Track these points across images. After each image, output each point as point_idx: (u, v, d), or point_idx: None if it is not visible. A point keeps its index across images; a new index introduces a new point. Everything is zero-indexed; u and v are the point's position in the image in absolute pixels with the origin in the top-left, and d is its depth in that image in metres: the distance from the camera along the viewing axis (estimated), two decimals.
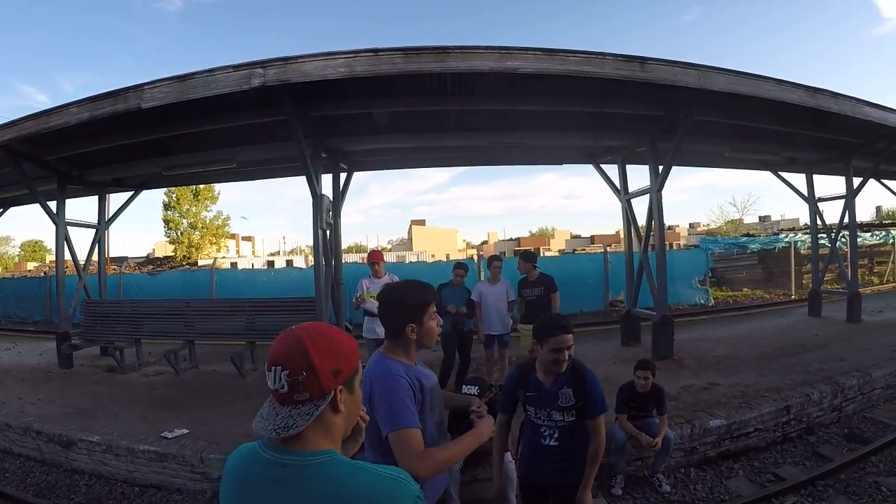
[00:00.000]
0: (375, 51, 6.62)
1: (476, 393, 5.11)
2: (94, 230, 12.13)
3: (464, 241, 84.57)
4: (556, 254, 39.52)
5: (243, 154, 9.65)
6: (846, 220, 13.42)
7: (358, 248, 66.07)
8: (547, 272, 8.21)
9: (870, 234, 24.04)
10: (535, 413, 3.43)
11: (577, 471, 3.30)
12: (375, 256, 8.07)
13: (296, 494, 1.30)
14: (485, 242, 78.87)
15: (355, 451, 1.69)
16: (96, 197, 12.24)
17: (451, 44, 6.79)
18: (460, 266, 8.42)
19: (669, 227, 61.84)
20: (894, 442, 6.56)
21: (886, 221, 35.79)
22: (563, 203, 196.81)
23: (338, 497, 1.27)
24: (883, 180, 15.96)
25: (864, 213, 67.76)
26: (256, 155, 9.83)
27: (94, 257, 12.39)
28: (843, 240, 14.67)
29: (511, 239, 74.07)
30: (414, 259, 38.00)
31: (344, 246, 10.58)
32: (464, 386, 5.17)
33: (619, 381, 6.02)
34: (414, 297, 2.63)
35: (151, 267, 31.34)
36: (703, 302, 18.20)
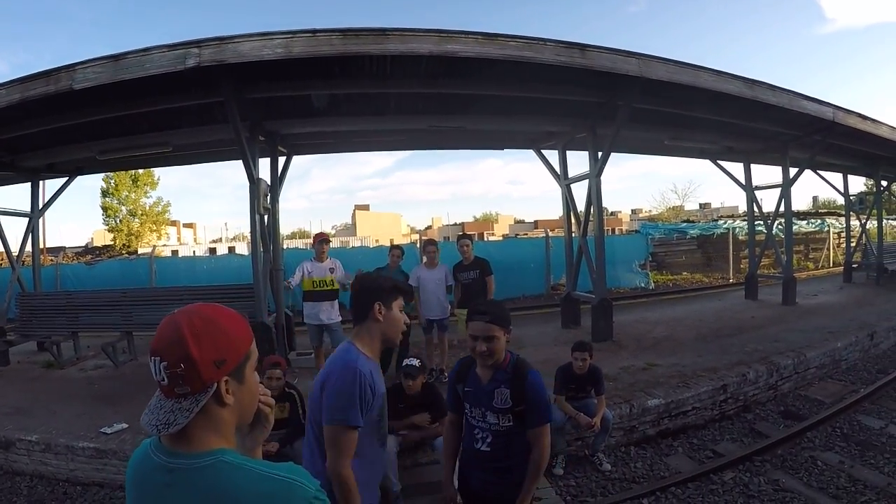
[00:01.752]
0: (313, 31, 6.53)
1: (417, 365, 5.18)
2: (27, 219, 11.65)
3: (408, 225, 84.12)
4: (500, 238, 39.71)
5: (179, 137, 9.46)
6: (782, 208, 13.83)
7: (301, 234, 65.16)
8: (490, 256, 8.21)
9: (806, 222, 25.00)
10: (470, 411, 2.99)
11: (511, 484, 2.84)
12: (325, 236, 8.00)
13: (181, 501, 1.21)
14: (429, 227, 78.64)
15: (263, 438, 1.53)
16: (29, 184, 11.79)
17: (391, 26, 6.75)
18: (396, 248, 8.43)
19: (612, 213, 62.89)
20: (829, 418, 6.81)
21: (822, 210, 36.95)
22: (508, 188, 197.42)
23: (221, 502, 1.19)
24: (819, 171, 16.51)
25: (801, 202, 70.01)
26: (193, 138, 9.66)
27: (29, 248, 11.95)
28: (779, 227, 15.08)
29: (455, 224, 73.88)
30: (358, 244, 37.66)
31: (287, 231, 10.47)
32: (405, 359, 5.24)
33: (559, 362, 6.09)
34: (388, 281, 2.67)
35: (90, 257, 30.46)
36: (643, 285, 18.63)
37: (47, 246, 22.77)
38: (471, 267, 7.90)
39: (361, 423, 2.35)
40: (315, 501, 1.24)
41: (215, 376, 1.24)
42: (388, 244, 14.00)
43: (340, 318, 7.81)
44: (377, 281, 2.67)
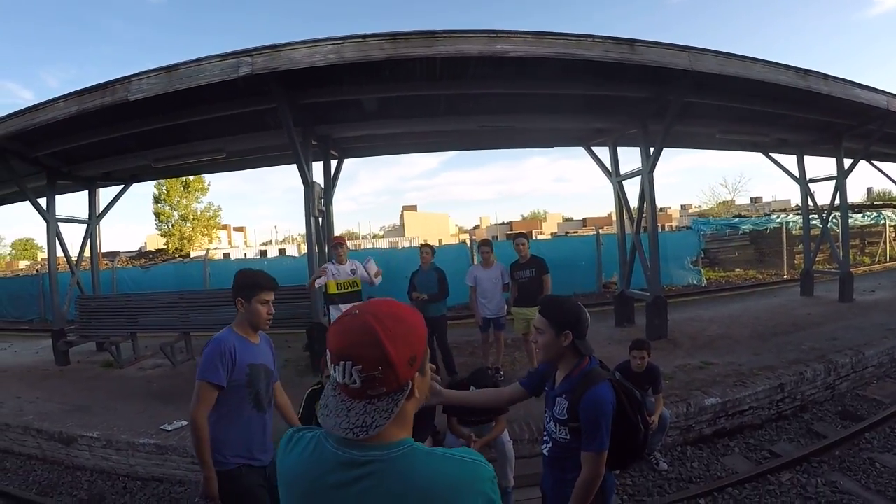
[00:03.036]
0: (364, 37, 6.60)
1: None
2: (85, 225, 12.03)
3: (456, 225, 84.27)
4: (549, 237, 39.51)
5: (233, 144, 9.63)
6: (837, 200, 13.48)
7: (350, 236, 65.81)
8: (540, 255, 8.17)
9: (861, 214, 24.20)
10: (545, 411, 2.86)
11: (564, 498, 2.66)
12: (340, 240, 7.94)
13: (380, 492, 1.21)
14: (477, 227, 78.60)
15: None
16: (86, 192, 12.16)
17: (440, 28, 6.78)
18: (426, 247, 8.37)
19: (661, 209, 61.83)
20: (888, 419, 6.63)
21: (878, 202, 35.88)
22: (554, 186, 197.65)
23: (426, 489, 1.20)
24: (874, 161, 16.05)
25: (855, 194, 67.94)
26: (246, 144, 9.84)
27: (87, 253, 12.28)
28: (834, 220, 14.73)
29: (503, 223, 73.99)
30: (406, 244, 37.78)
31: (336, 233, 10.55)
32: (472, 387, 5.18)
33: (615, 361, 6.03)
34: (250, 279, 3.28)
35: (144, 261, 31.21)
36: (695, 283, 18.32)
37: (103, 250, 23.38)
38: (527, 266, 7.85)
39: (220, 382, 3.07)
40: (494, 480, 1.28)
41: (410, 374, 1.27)
42: (437, 244, 14.09)
43: None
44: (240, 279, 3.30)
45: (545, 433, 2.85)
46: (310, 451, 1.33)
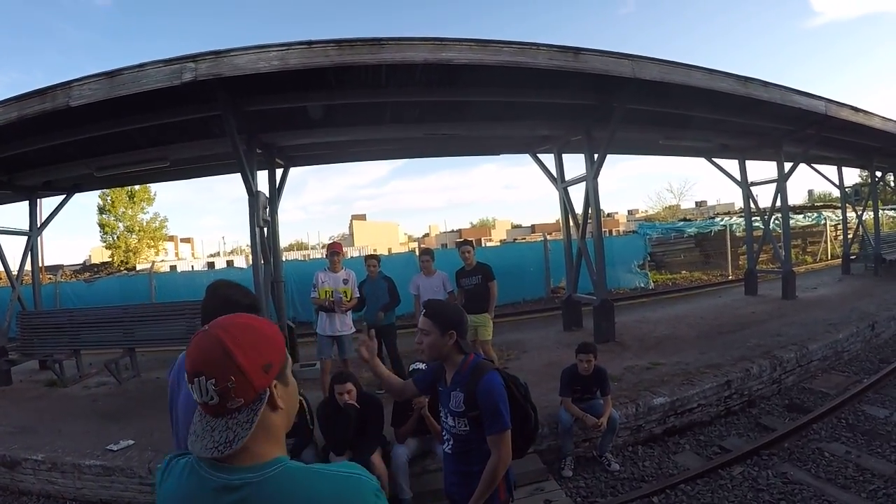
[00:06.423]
0: (309, 43, 6.54)
1: (424, 368, 5.26)
2: (26, 237, 11.58)
3: (405, 234, 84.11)
4: (498, 244, 39.72)
5: (177, 152, 9.43)
6: (779, 203, 13.91)
7: (299, 246, 65.20)
8: (489, 262, 8.19)
9: (802, 215, 25.06)
10: (441, 413, 3.04)
11: (473, 490, 2.74)
12: (336, 247, 7.91)
13: None
14: (426, 235, 78.62)
15: None
16: (27, 202, 11.75)
17: (386, 35, 6.77)
18: (371, 258, 8.38)
19: (609, 215, 62.98)
20: (834, 410, 6.84)
21: (818, 203, 37.05)
22: (503, 193, 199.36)
23: None
24: (813, 165, 16.60)
25: (797, 196, 70.14)
26: (191, 152, 9.63)
27: (28, 266, 11.88)
28: (776, 222, 15.13)
29: (452, 231, 73.89)
30: (356, 254, 37.51)
31: (284, 243, 10.40)
32: (412, 364, 5.30)
33: (563, 365, 6.13)
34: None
35: (88, 274, 30.41)
36: (643, 285, 18.69)
37: (45, 264, 22.73)
38: (473, 272, 7.87)
39: None
40: (379, 492, 1.25)
41: (266, 382, 1.22)
42: (386, 253, 14.03)
43: (353, 330, 7.63)
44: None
45: (444, 433, 3.00)
46: (185, 478, 1.28)
